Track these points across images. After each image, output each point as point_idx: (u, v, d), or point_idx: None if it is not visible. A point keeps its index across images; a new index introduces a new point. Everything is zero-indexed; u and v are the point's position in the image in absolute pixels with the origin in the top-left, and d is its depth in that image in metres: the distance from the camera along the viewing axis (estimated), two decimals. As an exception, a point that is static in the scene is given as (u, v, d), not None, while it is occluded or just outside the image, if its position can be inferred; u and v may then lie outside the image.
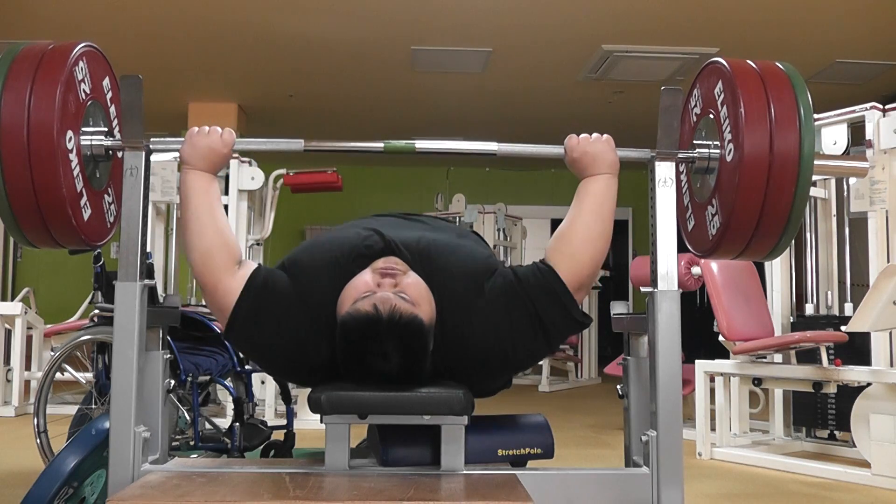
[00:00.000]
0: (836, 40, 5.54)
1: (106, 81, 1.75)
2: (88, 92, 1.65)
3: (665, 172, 1.67)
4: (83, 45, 1.63)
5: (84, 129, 1.63)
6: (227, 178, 4.57)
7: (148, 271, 1.67)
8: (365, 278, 1.57)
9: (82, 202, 1.62)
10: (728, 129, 1.60)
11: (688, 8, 5.03)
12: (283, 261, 1.68)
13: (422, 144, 1.72)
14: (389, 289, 1.54)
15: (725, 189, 1.61)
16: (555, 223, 10.17)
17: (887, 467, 3.02)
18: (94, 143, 1.64)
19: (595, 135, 1.69)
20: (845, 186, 3.66)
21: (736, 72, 1.60)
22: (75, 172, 1.58)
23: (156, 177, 4.32)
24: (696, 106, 1.79)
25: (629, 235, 10.28)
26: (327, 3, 5.08)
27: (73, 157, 1.57)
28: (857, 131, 3.60)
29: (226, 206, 4.50)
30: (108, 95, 1.76)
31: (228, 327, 1.60)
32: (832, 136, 3.61)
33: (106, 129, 1.70)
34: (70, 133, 1.56)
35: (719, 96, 1.65)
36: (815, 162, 1.56)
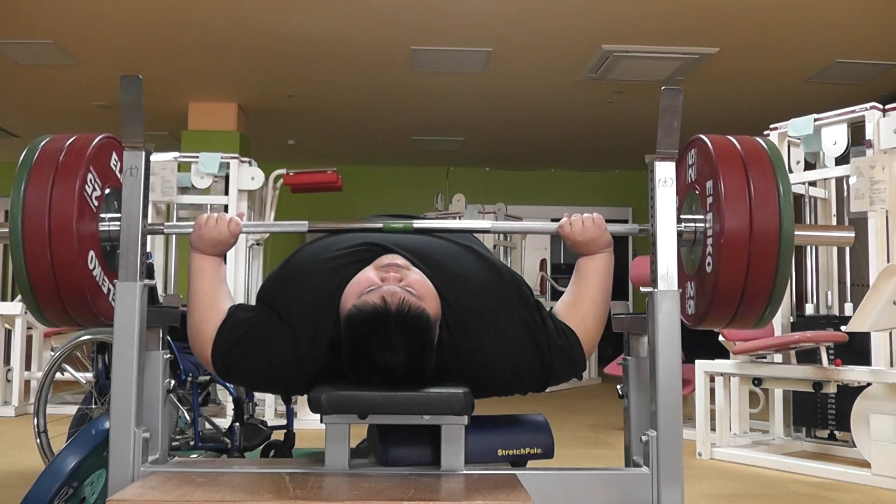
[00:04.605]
0: (836, 40, 5.53)
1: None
2: (104, 182, 1.71)
3: (665, 172, 1.68)
4: (100, 137, 1.69)
5: (102, 216, 1.69)
6: (226, 178, 4.57)
7: (148, 271, 1.68)
8: (368, 274, 1.58)
9: (102, 286, 1.70)
10: (710, 205, 1.65)
11: (688, 8, 5.03)
12: (259, 290, 1.76)
13: (420, 224, 1.77)
14: (395, 283, 1.54)
15: (710, 263, 1.66)
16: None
17: (887, 467, 3.02)
18: (111, 227, 1.70)
19: (586, 217, 1.74)
20: (845, 186, 3.66)
21: (717, 151, 1.65)
22: (93, 265, 1.66)
23: (156, 177, 4.32)
24: (685, 177, 1.81)
25: (629, 235, 10.24)
26: (327, 3, 5.07)
27: (91, 250, 1.65)
28: (857, 131, 3.60)
29: (225, 207, 4.50)
30: None
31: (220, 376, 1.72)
32: (832, 137, 3.61)
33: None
34: (89, 227, 1.64)
35: (703, 173, 1.70)
36: (798, 233, 1.61)
